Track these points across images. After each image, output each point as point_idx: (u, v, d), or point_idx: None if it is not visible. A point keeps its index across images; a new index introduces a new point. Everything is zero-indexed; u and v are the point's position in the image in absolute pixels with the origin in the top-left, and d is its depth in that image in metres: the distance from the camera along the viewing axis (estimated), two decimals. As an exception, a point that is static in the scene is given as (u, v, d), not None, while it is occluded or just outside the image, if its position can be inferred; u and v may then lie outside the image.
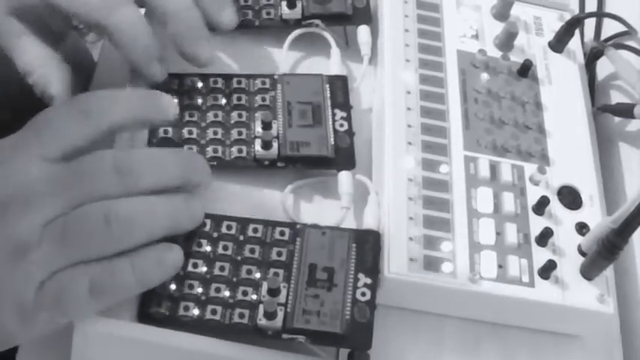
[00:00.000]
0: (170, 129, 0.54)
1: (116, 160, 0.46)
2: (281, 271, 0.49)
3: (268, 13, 0.60)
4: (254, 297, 0.48)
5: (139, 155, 0.48)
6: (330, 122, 0.55)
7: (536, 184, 0.54)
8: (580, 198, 0.54)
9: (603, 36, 0.67)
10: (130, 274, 0.45)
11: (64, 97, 0.53)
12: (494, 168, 0.54)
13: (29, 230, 0.43)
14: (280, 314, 0.46)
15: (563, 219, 0.53)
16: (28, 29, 0.52)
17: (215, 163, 0.53)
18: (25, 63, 0.53)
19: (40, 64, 0.53)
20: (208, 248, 0.49)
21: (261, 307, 0.47)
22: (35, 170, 0.44)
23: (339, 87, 0.57)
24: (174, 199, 0.48)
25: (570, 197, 0.54)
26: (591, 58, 0.65)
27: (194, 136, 0.54)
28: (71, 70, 0.54)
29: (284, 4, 0.60)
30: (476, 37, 0.60)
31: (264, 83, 0.57)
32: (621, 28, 0.64)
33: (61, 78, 0.53)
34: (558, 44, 0.61)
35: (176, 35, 0.53)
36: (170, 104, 0.51)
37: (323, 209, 0.54)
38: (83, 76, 0.62)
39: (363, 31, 0.60)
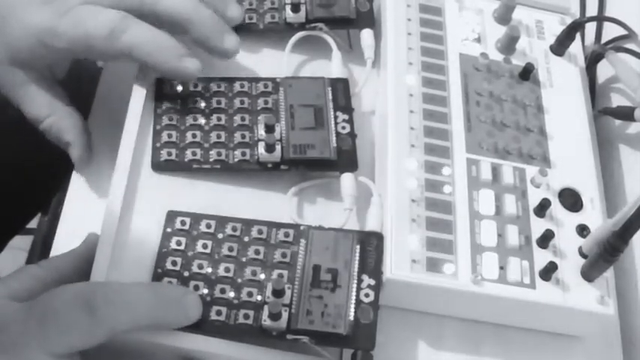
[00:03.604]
0: (173, 137, 0.54)
1: None
2: (285, 272, 0.49)
3: (273, 17, 0.61)
4: (259, 298, 0.48)
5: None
6: (333, 125, 0.55)
7: (538, 186, 0.55)
8: (581, 200, 0.55)
9: (604, 39, 0.67)
10: None
11: (82, 144, 0.53)
12: (495, 170, 0.54)
13: None
14: (285, 315, 0.47)
15: (564, 221, 0.54)
16: (31, 76, 0.53)
17: (219, 166, 0.54)
18: (32, 113, 0.53)
19: (48, 112, 0.53)
20: (213, 249, 0.50)
21: (265, 308, 0.47)
22: None
23: (341, 89, 0.58)
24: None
25: (571, 199, 0.55)
26: (592, 61, 0.66)
27: (198, 139, 0.54)
28: (80, 118, 0.55)
29: (288, 7, 0.60)
30: (478, 40, 0.61)
31: (266, 86, 0.57)
32: (622, 31, 0.64)
33: (72, 125, 0.54)
34: (559, 47, 0.62)
35: (201, 37, 0.54)
36: (193, 304, 0.47)
37: (326, 211, 0.55)
38: (88, 80, 0.62)
39: (366, 35, 0.61)
